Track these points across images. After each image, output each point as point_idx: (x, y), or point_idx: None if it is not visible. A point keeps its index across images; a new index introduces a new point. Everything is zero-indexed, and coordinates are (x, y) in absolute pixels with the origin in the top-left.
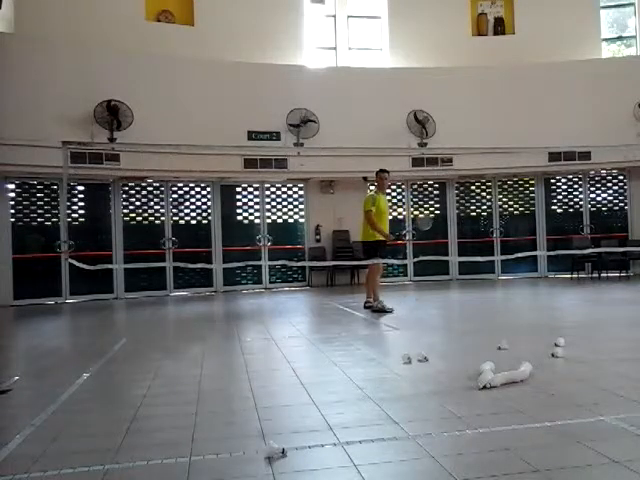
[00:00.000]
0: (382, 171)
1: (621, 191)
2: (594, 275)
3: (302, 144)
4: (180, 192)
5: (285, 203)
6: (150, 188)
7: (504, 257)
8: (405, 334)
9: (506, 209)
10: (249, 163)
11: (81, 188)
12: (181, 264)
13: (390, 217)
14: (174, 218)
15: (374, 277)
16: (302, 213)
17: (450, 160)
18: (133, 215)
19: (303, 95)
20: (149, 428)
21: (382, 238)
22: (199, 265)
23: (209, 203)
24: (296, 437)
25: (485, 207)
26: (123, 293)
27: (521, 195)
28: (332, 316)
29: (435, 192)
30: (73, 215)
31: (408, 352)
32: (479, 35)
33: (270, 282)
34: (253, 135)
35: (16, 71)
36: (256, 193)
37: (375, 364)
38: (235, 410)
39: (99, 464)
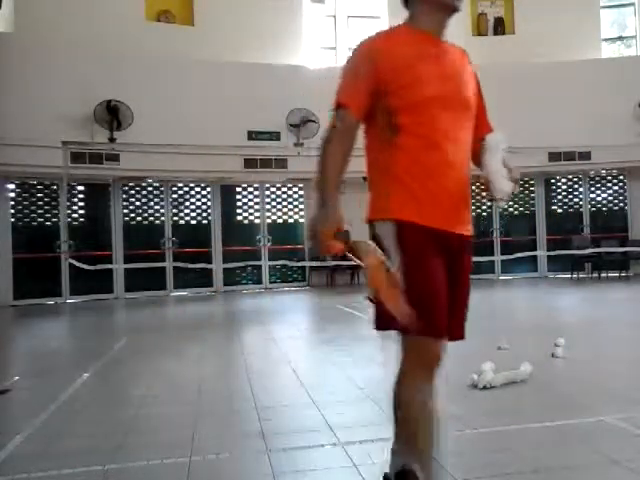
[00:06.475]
0: None
1: (621, 191)
2: (594, 275)
3: (302, 144)
4: (180, 192)
5: (285, 203)
6: (150, 188)
7: (504, 257)
8: None
9: (506, 209)
10: (249, 163)
11: (81, 188)
12: (181, 264)
13: None
14: (174, 218)
15: None
16: (302, 213)
17: None
18: (133, 215)
19: (303, 95)
20: (149, 428)
21: None
22: (199, 265)
23: (209, 203)
24: (296, 437)
25: (485, 207)
26: (123, 293)
27: (521, 195)
28: (332, 316)
29: None
30: (73, 215)
31: None
32: (479, 35)
33: (270, 282)
34: (253, 135)
35: (16, 71)
36: (256, 193)
37: (375, 364)
38: (235, 410)
39: (99, 464)
